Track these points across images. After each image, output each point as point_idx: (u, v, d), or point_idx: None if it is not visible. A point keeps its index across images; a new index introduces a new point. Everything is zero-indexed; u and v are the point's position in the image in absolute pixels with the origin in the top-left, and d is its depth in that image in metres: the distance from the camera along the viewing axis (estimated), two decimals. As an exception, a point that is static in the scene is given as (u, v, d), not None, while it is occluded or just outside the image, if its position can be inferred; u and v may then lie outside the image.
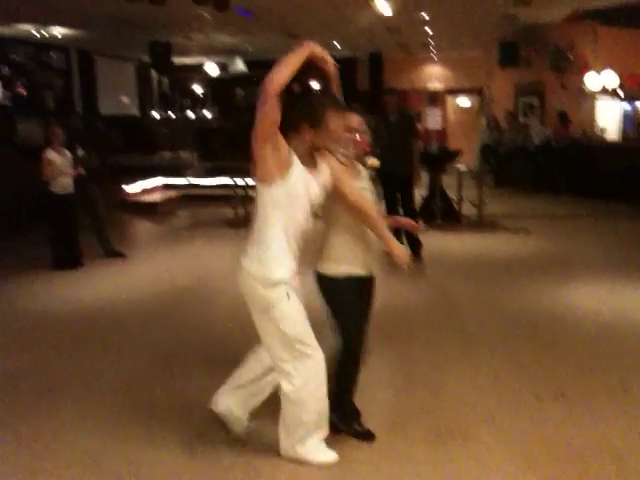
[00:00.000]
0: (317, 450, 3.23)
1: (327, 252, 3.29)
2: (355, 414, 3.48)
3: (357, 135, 3.31)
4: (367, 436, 3.43)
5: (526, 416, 3.75)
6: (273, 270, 2.98)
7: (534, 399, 3.97)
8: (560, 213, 10.95)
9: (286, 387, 3.10)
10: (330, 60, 2.95)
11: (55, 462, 3.33)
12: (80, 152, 7.75)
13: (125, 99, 19.77)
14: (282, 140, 2.88)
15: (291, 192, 2.94)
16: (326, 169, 3.10)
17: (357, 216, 3.21)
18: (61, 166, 7.33)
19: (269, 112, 2.80)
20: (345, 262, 3.28)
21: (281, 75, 2.81)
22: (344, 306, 3.29)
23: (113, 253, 8.09)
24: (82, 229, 7.84)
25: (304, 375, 3.07)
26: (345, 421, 3.43)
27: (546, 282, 6.65)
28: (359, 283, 3.34)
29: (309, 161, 3.05)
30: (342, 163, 3.19)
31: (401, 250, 3.25)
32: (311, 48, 2.88)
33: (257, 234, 3.02)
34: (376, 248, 3.39)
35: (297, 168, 2.94)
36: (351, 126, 3.27)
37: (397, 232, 5.50)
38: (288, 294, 2.99)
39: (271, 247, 2.98)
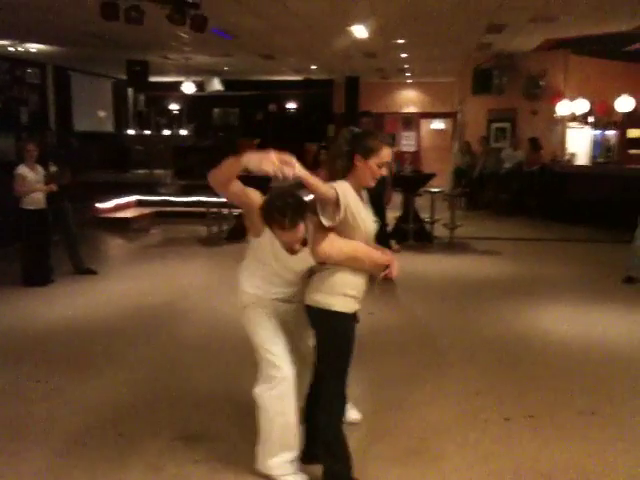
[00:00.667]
0: (284, 469, 3.24)
1: (340, 289, 3.04)
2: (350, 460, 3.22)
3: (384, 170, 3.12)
4: None
5: (494, 436, 3.78)
6: (243, 283, 3.31)
7: (502, 420, 4.00)
8: (530, 236, 11.10)
9: (255, 389, 3.27)
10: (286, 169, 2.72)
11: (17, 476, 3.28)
12: (53, 168, 7.69)
13: (102, 113, 19.68)
14: (248, 202, 3.03)
15: (258, 247, 3.15)
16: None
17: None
18: (33, 182, 7.26)
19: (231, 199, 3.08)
20: (355, 299, 3.10)
21: (213, 176, 2.93)
22: (350, 344, 3.13)
23: (84, 270, 8.00)
24: (53, 245, 7.77)
25: (269, 381, 3.21)
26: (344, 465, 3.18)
27: (516, 304, 6.73)
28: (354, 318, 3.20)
29: (359, 194, 3.11)
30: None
31: (384, 256, 3.15)
32: (245, 163, 2.81)
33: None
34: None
35: (267, 234, 3.04)
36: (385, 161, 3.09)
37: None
38: (257, 303, 3.25)
39: (245, 268, 3.33)
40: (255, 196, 3.02)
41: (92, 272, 8.03)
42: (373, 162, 3.03)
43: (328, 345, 3.11)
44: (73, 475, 3.34)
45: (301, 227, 2.92)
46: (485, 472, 3.37)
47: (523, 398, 4.34)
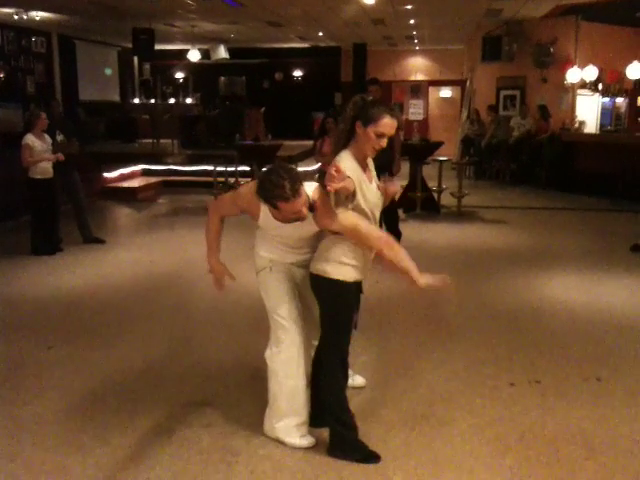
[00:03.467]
0: (290, 433, 3.30)
1: (337, 257, 3.06)
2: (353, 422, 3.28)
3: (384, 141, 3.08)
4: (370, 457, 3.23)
5: (500, 402, 3.83)
6: (258, 248, 3.38)
7: (508, 386, 4.04)
8: (539, 205, 11.07)
9: (266, 352, 3.35)
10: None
11: (33, 446, 3.35)
12: (60, 138, 7.69)
13: (108, 71, 19.46)
14: (244, 205, 3.19)
15: (262, 226, 3.24)
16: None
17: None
18: (41, 151, 7.27)
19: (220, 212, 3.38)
20: (355, 268, 3.11)
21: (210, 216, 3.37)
22: (347, 312, 3.18)
23: (92, 239, 8.05)
24: (61, 215, 7.80)
25: (278, 344, 3.27)
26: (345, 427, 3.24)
27: (523, 272, 6.75)
28: (357, 288, 3.27)
29: (363, 163, 3.11)
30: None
31: (387, 243, 3.10)
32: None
33: None
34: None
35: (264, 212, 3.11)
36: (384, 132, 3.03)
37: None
38: (271, 268, 3.29)
39: (259, 235, 3.39)
40: (245, 195, 3.13)
41: (100, 241, 8.07)
42: (371, 130, 3.00)
43: (326, 313, 3.17)
44: (86, 437, 3.41)
45: (302, 191, 2.92)
46: (491, 437, 3.42)
47: (530, 365, 4.37)
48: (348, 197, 2.92)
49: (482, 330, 5.10)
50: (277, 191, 2.86)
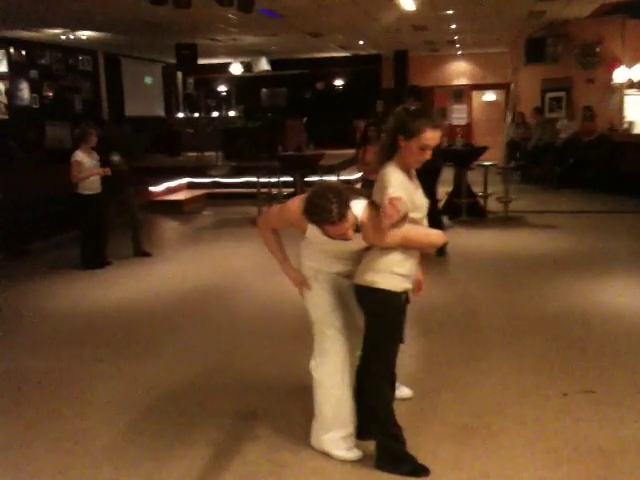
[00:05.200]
0: (338, 445, 3.27)
1: (388, 267, 3.01)
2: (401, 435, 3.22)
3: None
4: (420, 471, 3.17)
5: (552, 413, 3.73)
6: (303, 257, 3.36)
7: (560, 396, 3.94)
8: (588, 209, 10.81)
9: (311, 363, 3.33)
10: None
11: (82, 459, 3.40)
12: (116, 157, 7.87)
13: (148, 80, 19.77)
14: (291, 220, 3.17)
15: (309, 238, 3.21)
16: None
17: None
18: (89, 168, 7.44)
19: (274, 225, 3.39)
20: (405, 277, 3.08)
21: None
22: (397, 323, 3.13)
23: (141, 253, 8.19)
24: (110, 229, 7.97)
25: (322, 355, 3.27)
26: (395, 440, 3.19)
27: (573, 279, 6.58)
28: (406, 298, 3.18)
29: (409, 174, 3.09)
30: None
31: (440, 236, 3.18)
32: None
33: None
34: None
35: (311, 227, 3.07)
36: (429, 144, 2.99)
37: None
38: (316, 277, 3.28)
39: (305, 246, 3.35)
40: (293, 212, 3.10)
41: (147, 254, 8.20)
42: (414, 144, 2.95)
43: (375, 324, 3.11)
44: (135, 451, 3.44)
45: (349, 215, 2.88)
46: (544, 449, 3.33)
47: (581, 374, 4.25)
48: (403, 220, 2.83)
49: (530, 338, 4.98)
50: (324, 215, 2.83)
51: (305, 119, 17.27)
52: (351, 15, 12.66)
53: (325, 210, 2.82)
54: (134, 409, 3.95)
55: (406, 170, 3.06)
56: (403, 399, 3.80)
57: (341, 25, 13.89)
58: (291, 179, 11.75)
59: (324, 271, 3.27)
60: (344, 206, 2.84)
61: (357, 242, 3.04)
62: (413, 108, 3.06)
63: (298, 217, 3.03)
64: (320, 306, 3.28)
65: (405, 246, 2.99)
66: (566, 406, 3.82)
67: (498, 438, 3.46)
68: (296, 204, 3.07)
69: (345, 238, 2.96)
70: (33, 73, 15.28)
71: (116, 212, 8.05)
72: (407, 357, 4.37)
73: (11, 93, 14.77)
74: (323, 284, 3.28)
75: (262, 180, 11.15)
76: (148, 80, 19.80)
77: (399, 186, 2.93)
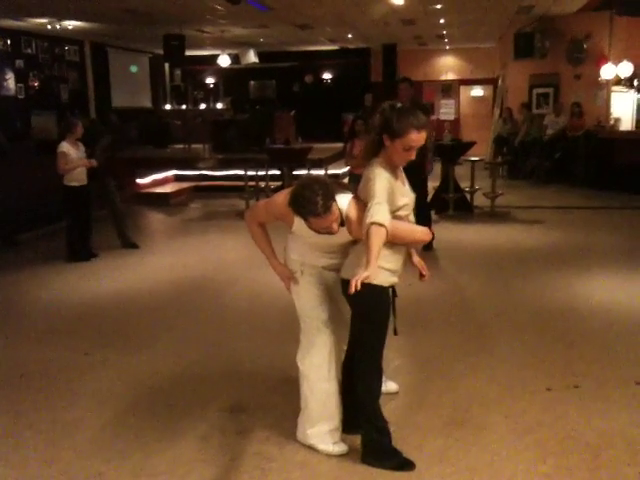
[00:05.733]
0: (324, 439, 3.27)
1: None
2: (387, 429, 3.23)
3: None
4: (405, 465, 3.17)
5: (539, 407, 3.75)
6: (289, 251, 3.35)
7: (547, 390, 3.96)
8: (574, 204, 10.87)
9: (297, 356, 3.34)
10: None
11: (70, 451, 3.38)
12: (105, 141, 7.83)
13: (134, 68, 19.62)
14: (278, 214, 3.17)
15: (296, 232, 3.20)
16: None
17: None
18: (75, 159, 7.37)
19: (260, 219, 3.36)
20: (392, 272, 3.09)
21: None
22: (384, 317, 3.12)
23: (129, 244, 8.15)
24: (97, 221, 7.90)
25: (309, 347, 3.27)
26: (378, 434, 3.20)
27: (560, 274, 6.62)
28: (392, 292, 3.19)
29: (395, 170, 3.08)
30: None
31: (426, 233, 3.18)
32: None
33: None
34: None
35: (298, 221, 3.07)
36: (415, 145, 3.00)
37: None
38: (302, 271, 3.27)
39: (291, 239, 3.34)
40: (279, 205, 3.09)
41: (134, 246, 8.16)
42: (399, 145, 2.95)
43: (361, 318, 3.11)
44: (122, 443, 3.42)
45: (334, 208, 2.89)
46: (530, 442, 3.35)
47: (568, 369, 4.28)
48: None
49: (519, 332, 5.01)
50: (309, 206, 2.84)
51: (293, 112, 17.22)
52: (340, 7, 12.62)
53: (311, 202, 2.83)
54: (122, 401, 3.94)
55: (393, 167, 3.05)
56: (389, 393, 3.81)
57: (330, 18, 13.84)
58: (279, 172, 11.73)
59: (310, 265, 3.27)
60: (329, 199, 2.86)
61: (342, 236, 3.05)
62: (399, 106, 3.04)
63: (285, 210, 3.04)
64: (306, 299, 3.28)
65: (392, 241, 2.99)
66: (552, 400, 3.84)
67: (484, 432, 3.47)
68: (283, 197, 3.07)
69: (330, 231, 2.97)
70: (19, 63, 15.10)
71: (97, 204, 7.97)
72: (393, 352, 4.38)
73: (-4, 83, 14.59)
74: (309, 278, 3.28)
75: (250, 173, 11.12)
76: (133, 68, 19.63)
77: (382, 178, 2.94)
